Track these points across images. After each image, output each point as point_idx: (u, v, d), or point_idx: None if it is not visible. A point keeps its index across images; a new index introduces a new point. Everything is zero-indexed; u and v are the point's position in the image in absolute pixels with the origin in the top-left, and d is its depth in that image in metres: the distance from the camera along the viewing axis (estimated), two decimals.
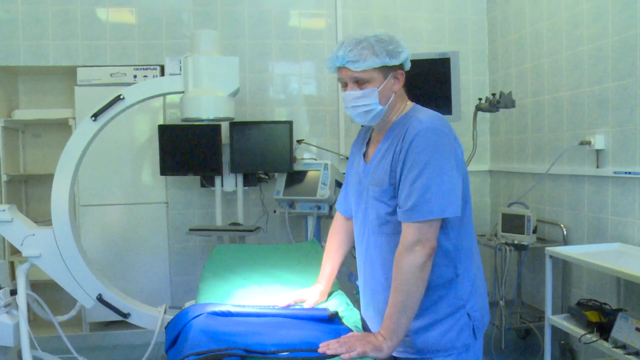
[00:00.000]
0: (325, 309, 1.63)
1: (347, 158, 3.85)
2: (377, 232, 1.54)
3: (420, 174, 1.40)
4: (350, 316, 1.67)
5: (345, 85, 1.54)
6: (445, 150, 1.43)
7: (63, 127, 3.81)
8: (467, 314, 1.51)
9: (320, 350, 1.33)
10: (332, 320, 1.59)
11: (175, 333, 1.56)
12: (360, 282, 1.70)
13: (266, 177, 3.79)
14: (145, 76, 3.66)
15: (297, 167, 3.56)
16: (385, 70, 1.49)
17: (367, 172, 1.59)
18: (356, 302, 1.81)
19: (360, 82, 1.49)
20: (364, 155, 1.65)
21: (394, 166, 1.47)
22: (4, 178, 3.60)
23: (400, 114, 1.55)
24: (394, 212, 1.47)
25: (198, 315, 1.56)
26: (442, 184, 1.39)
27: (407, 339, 1.51)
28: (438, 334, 1.49)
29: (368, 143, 1.67)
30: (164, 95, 2.86)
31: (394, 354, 1.59)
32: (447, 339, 1.49)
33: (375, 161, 1.55)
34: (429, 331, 1.50)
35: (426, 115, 1.50)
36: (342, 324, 1.58)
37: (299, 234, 3.84)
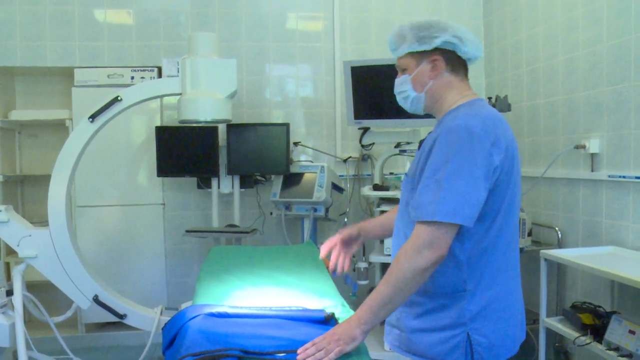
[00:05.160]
0: (321, 310, 1.63)
1: (344, 160, 3.89)
2: (400, 219, 1.54)
3: (437, 173, 1.33)
4: (346, 317, 1.67)
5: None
6: (472, 153, 1.32)
7: (60, 128, 3.81)
8: (467, 334, 1.41)
9: (299, 357, 1.30)
10: (329, 321, 1.60)
11: (173, 334, 1.56)
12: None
13: (263, 179, 3.80)
14: (142, 78, 3.66)
15: (294, 169, 3.57)
16: (418, 56, 1.48)
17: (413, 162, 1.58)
18: (352, 304, 1.82)
19: (401, 69, 1.54)
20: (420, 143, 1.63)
21: (423, 161, 1.42)
22: (0, 178, 3.59)
23: (452, 107, 1.48)
24: (409, 204, 1.46)
25: (195, 317, 1.56)
26: (457, 187, 1.30)
27: (403, 335, 1.50)
28: (431, 341, 1.44)
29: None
30: (161, 96, 2.86)
31: (389, 347, 1.60)
32: (438, 350, 1.43)
33: (418, 152, 1.52)
34: (423, 335, 1.46)
35: (468, 112, 1.40)
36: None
37: (295, 236, 3.84)
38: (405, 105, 1.57)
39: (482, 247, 1.41)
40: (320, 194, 3.35)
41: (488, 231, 1.40)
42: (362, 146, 3.70)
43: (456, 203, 1.30)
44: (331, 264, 1.74)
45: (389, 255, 2.33)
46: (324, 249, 1.76)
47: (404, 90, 1.53)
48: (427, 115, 1.61)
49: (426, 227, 1.33)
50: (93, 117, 2.46)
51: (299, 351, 1.32)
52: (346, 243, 1.76)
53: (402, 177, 1.62)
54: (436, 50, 1.46)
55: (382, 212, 3.16)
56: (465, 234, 1.38)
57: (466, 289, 1.42)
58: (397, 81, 1.55)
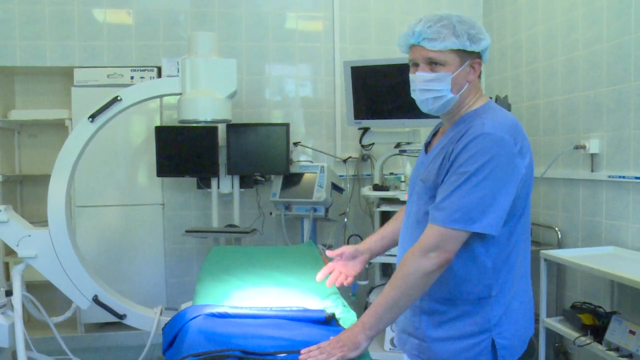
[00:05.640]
0: (322, 311, 1.63)
1: (344, 160, 3.89)
2: (415, 227, 1.45)
3: (463, 181, 1.29)
4: (346, 318, 1.68)
5: (414, 67, 1.41)
6: (500, 163, 1.29)
7: (59, 128, 3.81)
8: (492, 339, 1.38)
9: (301, 358, 1.30)
10: (329, 322, 1.60)
11: (173, 334, 1.56)
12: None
13: (262, 179, 3.80)
14: (142, 77, 3.66)
15: (294, 169, 3.57)
16: (463, 55, 1.37)
17: (423, 164, 1.49)
18: (352, 304, 1.82)
19: (434, 64, 1.37)
20: (427, 145, 1.54)
21: (443, 166, 1.36)
22: (0, 178, 3.58)
23: (469, 108, 1.42)
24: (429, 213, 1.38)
25: (195, 317, 1.56)
26: (483, 195, 1.28)
27: (424, 344, 1.45)
28: (455, 349, 1.40)
29: (435, 135, 1.56)
30: (161, 96, 2.86)
31: (408, 357, 1.55)
32: (463, 358, 1.40)
33: (432, 156, 1.45)
34: (446, 344, 1.41)
35: (494, 118, 1.36)
36: (339, 325, 1.59)
37: (295, 236, 3.84)
38: (430, 105, 1.41)
39: (506, 252, 1.39)
40: (320, 194, 3.35)
41: (511, 235, 1.39)
42: (362, 146, 3.70)
43: (478, 212, 1.29)
44: (331, 278, 1.68)
45: (389, 255, 2.33)
46: (334, 253, 1.69)
47: (439, 89, 1.37)
48: (425, 115, 1.53)
49: (437, 229, 1.31)
50: (93, 117, 2.45)
51: (302, 352, 1.32)
52: (352, 256, 1.70)
53: (406, 180, 1.55)
54: (478, 53, 1.40)
55: (382, 212, 3.16)
56: (490, 240, 1.36)
57: (491, 295, 1.39)
58: (428, 76, 1.37)
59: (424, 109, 1.44)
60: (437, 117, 1.51)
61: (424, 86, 1.39)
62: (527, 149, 1.37)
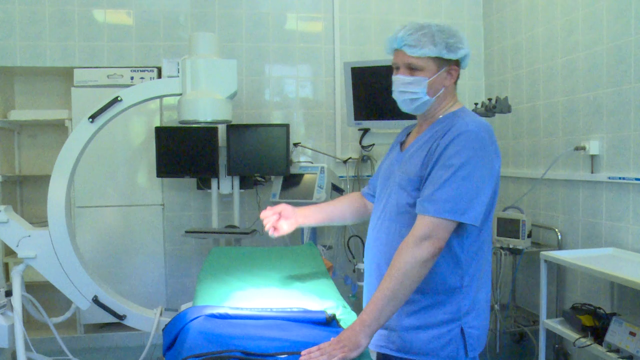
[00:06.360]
0: (322, 312, 1.63)
1: (344, 161, 3.89)
2: (395, 219, 1.53)
3: (451, 174, 1.39)
4: (347, 319, 1.67)
5: (397, 70, 1.54)
6: (483, 159, 1.41)
7: (59, 128, 3.81)
8: (461, 327, 1.49)
9: (302, 359, 1.30)
10: (330, 323, 1.59)
11: (173, 335, 1.55)
12: (365, 268, 1.69)
13: (262, 179, 3.80)
14: (142, 78, 3.66)
15: (294, 170, 3.57)
16: (440, 62, 1.48)
17: (399, 160, 1.59)
18: (352, 305, 1.81)
19: (412, 68, 1.49)
20: (402, 144, 1.66)
21: (427, 160, 1.46)
22: (0, 179, 3.58)
23: (447, 111, 1.55)
24: (414, 204, 1.46)
25: (196, 318, 1.56)
26: (470, 188, 1.39)
27: (393, 333, 1.52)
28: (426, 337, 1.49)
29: (409, 135, 1.67)
30: (161, 97, 2.86)
31: (372, 348, 1.59)
32: (433, 346, 1.48)
33: (411, 151, 1.55)
34: (418, 332, 1.50)
35: (474, 120, 1.48)
36: (340, 326, 1.58)
37: (295, 237, 3.83)
38: (408, 106, 1.54)
39: (477, 245, 1.50)
40: (320, 195, 3.35)
41: (482, 230, 1.49)
42: (362, 147, 3.70)
43: (465, 203, 1.38)
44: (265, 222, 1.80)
45: None
46: (274, 209, 1.80)
47: (415, 91, 1.49)
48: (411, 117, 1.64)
49: (428, 219, 1.39)
50: (93, 117, 2.45)
51: (303, 353, 1.32)
52: (287, 217, 1.81)
53: (379, 174, 1.64)
54: (456, 60, 1.51)
55: None
56: (465, 233, 1.46)
57: (463, 285, 1.49)
58: (406, 79, 1.50)
59: (403, 109, 1.57)
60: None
61: (403, 88, 1.51)
62: (498, 151, 1.50)
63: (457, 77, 1.54)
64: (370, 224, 1.69)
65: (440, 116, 1.54)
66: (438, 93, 1.51)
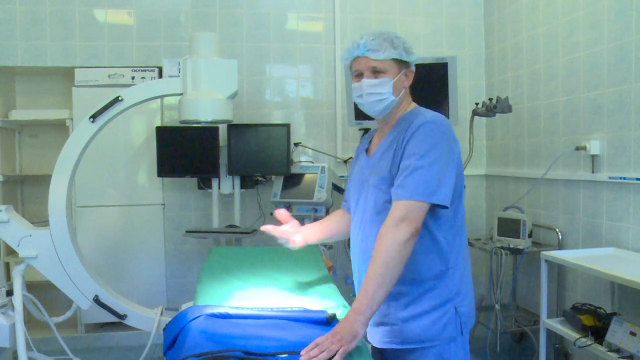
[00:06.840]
0: (323, 312, 1.63)
1: (344, 161, 3.89)
2: (375, 220, 1.60)
3: (418, 160, 1.49)
4: None
5: (359, 76, 1.62)
6: (445, 145, 1.52)
7: (60, 128, 3.81)
8: (455, 307, 1.58)
9: (302, 359, 1.29)
10: (330, 322, 1.59)
11: (174, 335, 1.56)
12: (354, 271, 1.75)
13: (263, 179, 3.80)
14: (143, 78, 3.66)
15: (294, 169, 3.57)
16: (400, 64, 1.60)
17: (368, 165, 1.68)
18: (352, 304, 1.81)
19: (377, 71, 1.58)
20: (366, 150, 1.75)
21: (395, 157, 1.56)
22: (0, 178, 3.59)
23: (405, 110, 1.66)
24: (390, 201, 1.53)
25: (196, 317, 1.56)
26: (436, 172, 1.48)
27: (395, 327, 1.58)
28: (425, 324, 1.56)
29: (371, 142, 1.77)
30: (162, 97, 2.86)
31: (378, 345, 1.64)
32: (434, 330, 1.56)
33: (379, 153, 1.64)
34: (416, 321, 1.57)
35: (431, 113, 1.60)
36: None
37: None
38: (377, 107, 1.61)
39: (455, 228, 1.60)
40: (321, 195, 3.35)
41: (456, 213, 1.59)
42: None
43: (434, 185, 1.48)
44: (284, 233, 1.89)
45: None
46: (284, 220, 1.91)
47: (383, 92, 1.59)
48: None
49: (402, 203, 1.47)
50: (94, 117, 2.45)
51: (302, 353, 1.32)
52: (294, 232, 1.91)
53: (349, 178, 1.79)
54: (410, 63, 1.64)
55: None
56: (442, 217, 1.56)
57: (448, 267, 1.58)
58: (372, 82, 1.59)
59: (369, 112, 1.65)
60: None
61: (370, 90, 1.59)
62: (456, 137, 1.60)
63: (412, 80, 1.66)
64: (352, 231, 1.77)
65: (400, 116, 1.65)
66: (400, 93, 1.62)
